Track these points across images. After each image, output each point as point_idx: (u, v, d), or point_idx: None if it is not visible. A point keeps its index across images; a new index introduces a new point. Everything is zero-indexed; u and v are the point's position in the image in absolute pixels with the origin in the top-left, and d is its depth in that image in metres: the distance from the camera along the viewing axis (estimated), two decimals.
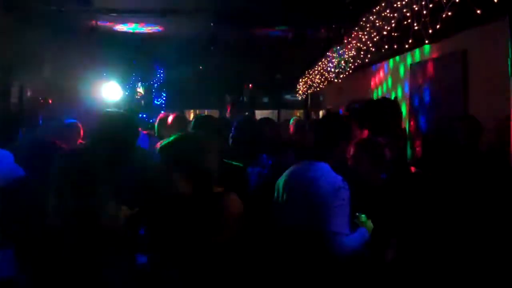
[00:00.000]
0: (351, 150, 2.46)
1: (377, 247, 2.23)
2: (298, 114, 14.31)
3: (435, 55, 5.05)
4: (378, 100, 4.56)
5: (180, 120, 4.18)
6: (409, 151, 5.07)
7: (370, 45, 5.19)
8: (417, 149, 5.19)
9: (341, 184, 2.16)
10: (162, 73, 12.13)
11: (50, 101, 6.83)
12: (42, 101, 6.68)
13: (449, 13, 2.98)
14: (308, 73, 11.17)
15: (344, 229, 2.11)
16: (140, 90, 11.21)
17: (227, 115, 7.01)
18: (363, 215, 2.26)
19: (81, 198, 1.79)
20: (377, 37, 4.86)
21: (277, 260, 2.20)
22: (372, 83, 7.49)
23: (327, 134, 2.40)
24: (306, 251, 2.12)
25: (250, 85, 13.67)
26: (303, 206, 2.20)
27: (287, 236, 2.20)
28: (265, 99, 14.30)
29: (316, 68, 9.91)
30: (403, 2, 3.89)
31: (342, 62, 6.85)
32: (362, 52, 5.68)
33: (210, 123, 3.06)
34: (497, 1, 2.62)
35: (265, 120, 4.42)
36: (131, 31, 7.93)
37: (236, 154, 2.81)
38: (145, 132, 4.68)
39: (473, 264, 2.26)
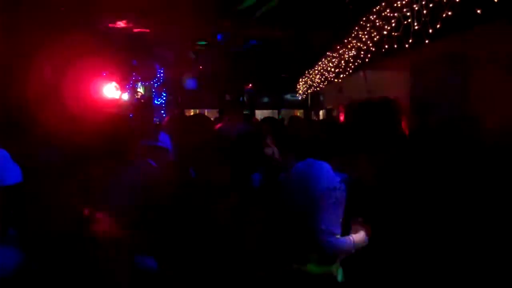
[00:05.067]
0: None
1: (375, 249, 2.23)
2: (298, 114, 14.32)
3: (435, 55, 5.04)
4: (377, 100, 4.53)
5: None
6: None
7: (370, 44, 5.19)
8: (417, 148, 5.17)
9: (337, 185, 2.18)
10: (162, 73, 12.11)
11: None
12: None
13: (449, 13, 2.99)
14: (308, 73, 11.16)
15: (332, 228, 2.12)
16: (140, 90, 11.21)
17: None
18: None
19: None
20: (377, 37, 4.86)
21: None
22: (371, 83, 7.47)
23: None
24: (296, 243, 2.16)
25: (250, 84, 13.65)
26: (298, 201, 2.23)
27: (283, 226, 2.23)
28: (265, 99, 14.29)
29: (316, 68, 9.91)
30: (403, 2, 3.89)
31: (342, 61, 6.85)
32: (362, 52, 5.68)
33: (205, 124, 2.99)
34: (497, 1, 2.62)
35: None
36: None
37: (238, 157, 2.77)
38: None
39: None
